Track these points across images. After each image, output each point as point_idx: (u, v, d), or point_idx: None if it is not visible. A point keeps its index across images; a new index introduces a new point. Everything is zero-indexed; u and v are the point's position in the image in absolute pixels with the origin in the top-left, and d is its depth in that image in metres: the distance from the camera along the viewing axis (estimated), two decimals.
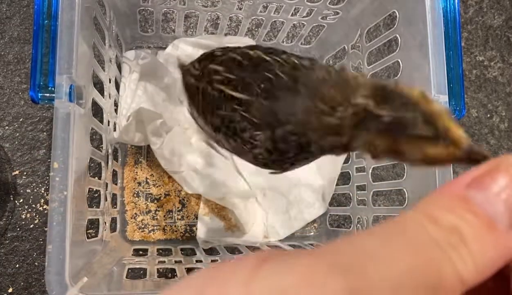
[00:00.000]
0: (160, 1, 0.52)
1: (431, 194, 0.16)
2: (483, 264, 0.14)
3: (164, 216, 0.59)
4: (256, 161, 0.35)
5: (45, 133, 0.57)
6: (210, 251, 0.57)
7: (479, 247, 0.14)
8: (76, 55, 0.35)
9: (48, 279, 0.32)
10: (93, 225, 0.52)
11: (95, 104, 0.44)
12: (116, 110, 0.56)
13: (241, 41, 0.60)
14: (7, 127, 0.57)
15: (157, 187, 0.59)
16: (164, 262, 0.50)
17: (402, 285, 0.13)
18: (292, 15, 0.55)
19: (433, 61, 0.40)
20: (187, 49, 0.59)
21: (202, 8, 0.54)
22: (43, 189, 0.56)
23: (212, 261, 0.52)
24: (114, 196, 0.56)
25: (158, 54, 0.60)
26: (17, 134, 0.57)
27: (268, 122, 0.31)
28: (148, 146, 0.57)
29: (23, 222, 0.55)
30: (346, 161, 0.60)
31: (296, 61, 0.32)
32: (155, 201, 0.59)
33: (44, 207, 0.56)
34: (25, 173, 0.56)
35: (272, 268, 0.14)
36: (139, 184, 0.59)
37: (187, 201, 0.59)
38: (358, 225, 0.56)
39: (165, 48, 0.60)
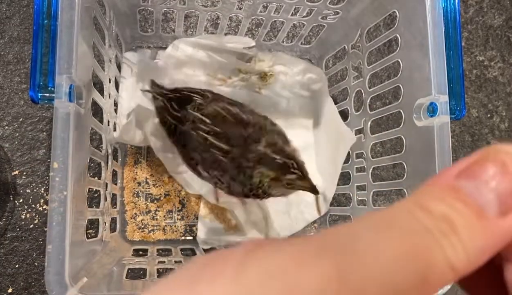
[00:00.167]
0: (160, 1, 0.52)
1: (422, 184, 0.16)
2: (473, 251, 0.14)
3: (164, 216, 0.59)
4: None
5: (45, 133, 0.57)
6: (210, 251, 0.57)
7: (469, 235, 0.14)
8: (76, 55, 0.35)
9: (48, 279, 0.32)
10: (93, 225, 0.51)
11: (95, 104, 0.44)
12: (116, 110, 0.56)
13: (241, 41, 0.60)
14: (7, 127, 0.57)
15: (157, 187, 0.59)
16: (164, 262, 0.50)
17: (392, 268, 0.13)
18: (292, 15, 0.55)
19: (433, 61, 0.40)
20: (187, 49, 0.59)
21: (202, 8, 0.54)
22: (42, 189, 0.56)
23: None
24: (114, 196, 0.56)
25: (158, 54, 0.60)
26: (17, 134, 0.57)
27: (238, 164, 0.43)
28: (148, 146, 0.57)
29: (23, 222, 0.55)
30: (346, 161, 0.60)
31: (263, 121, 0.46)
32: (155, 201, 0.59)
33: (44, 207, 0.56)
34: (24, 173, 0.56)
35: (260, 255, 0.14)
36: (139, 184, 0.59)
37: (187, 201, 0.59)
38: None
39: (165, 48, 0.60)
